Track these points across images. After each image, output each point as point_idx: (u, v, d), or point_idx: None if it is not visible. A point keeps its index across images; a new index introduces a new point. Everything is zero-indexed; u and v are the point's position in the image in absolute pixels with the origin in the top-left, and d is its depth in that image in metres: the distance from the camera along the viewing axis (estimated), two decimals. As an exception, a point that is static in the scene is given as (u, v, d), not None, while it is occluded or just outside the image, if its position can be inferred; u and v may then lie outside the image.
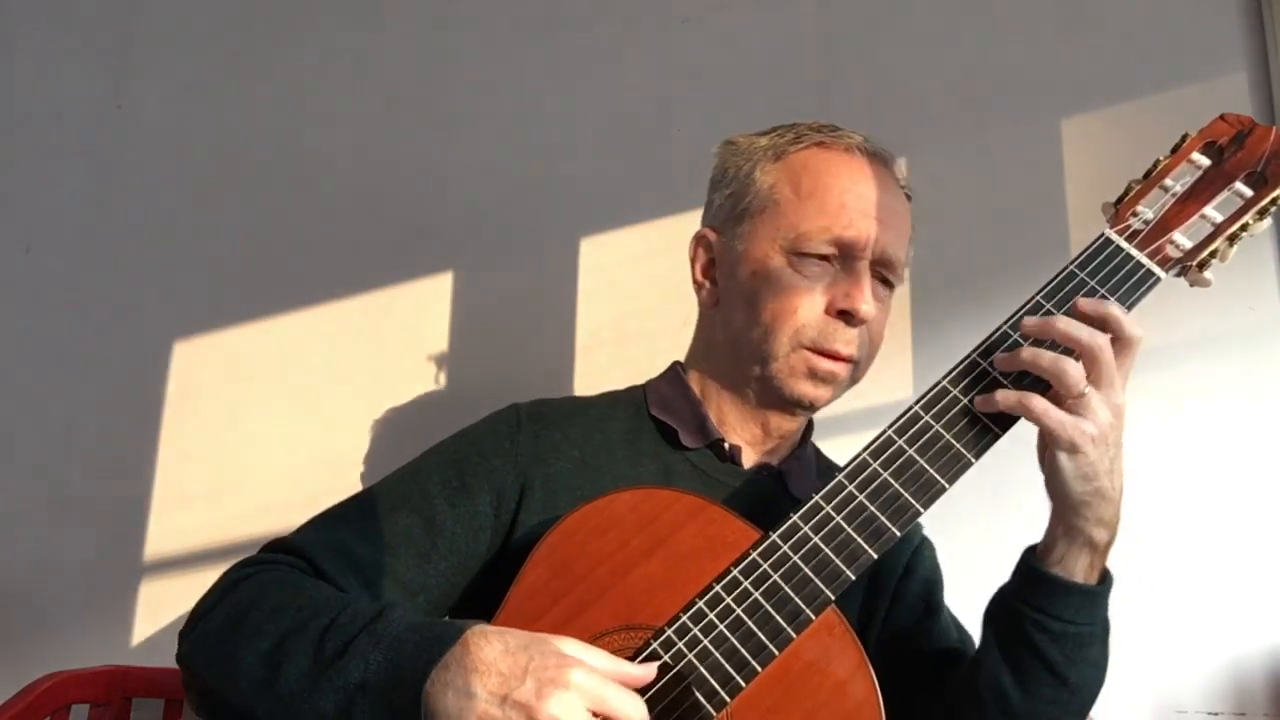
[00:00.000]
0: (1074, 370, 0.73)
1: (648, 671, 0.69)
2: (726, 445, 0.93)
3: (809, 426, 1.02)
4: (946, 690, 0.86)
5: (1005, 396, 0.75)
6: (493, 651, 0.65)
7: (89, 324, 1.58)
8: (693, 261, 1.00)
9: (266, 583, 0.77)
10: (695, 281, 0.99)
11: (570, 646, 0.66)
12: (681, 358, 1.03)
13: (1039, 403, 0.74)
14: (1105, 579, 0.80)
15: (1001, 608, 0.82)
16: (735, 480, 0.93)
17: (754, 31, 1.57)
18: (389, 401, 1.49)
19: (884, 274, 0.93)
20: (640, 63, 1.58)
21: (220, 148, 1.63)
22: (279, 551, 0.82)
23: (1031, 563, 0.80)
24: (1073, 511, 0.77)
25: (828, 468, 1.03)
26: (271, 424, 1.51)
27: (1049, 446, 0.75)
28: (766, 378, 0.91)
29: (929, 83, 1.50)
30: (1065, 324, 0.75)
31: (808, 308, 0.88)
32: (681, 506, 0.78)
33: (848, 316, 0.88)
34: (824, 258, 0.89)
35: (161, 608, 1.42)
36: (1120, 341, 0.75)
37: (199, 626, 0.76)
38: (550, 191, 1.54)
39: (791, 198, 0.90)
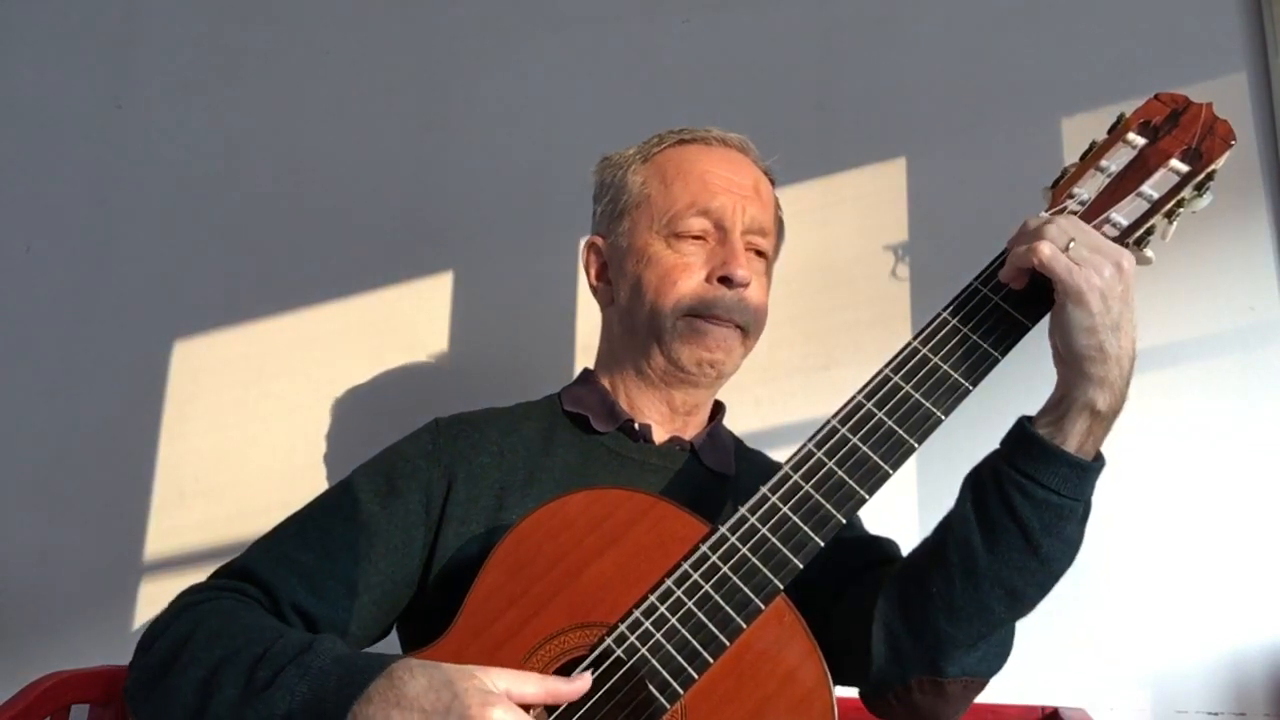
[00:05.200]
0: (1049, 225, 0.75)
1: (582, 684, 0.70)
2: (636, 425, 0.98)
3: (719, 409, 1.06)
4: (899, 566, 0.86)
5: (1016, 252, 0.76)
6: (417, 686, 0.66)
7: (89, 324, 1.58)
8: (587, 269, 1.05)
9: (207, 612, 0.79)
10: (591, 287, 1.05)
11: (499, 680, 0.67)
12: None
13: (1046, 247, 0.74)
14: (1098, 458, 0.77)
15: (985, 468, 0.79)
16: (650, 457, 0.97)
17: (754, 31, 1.57)
18: (389, 401, 1.50)
19: (757, 244, 0.99)
20: (641, 62, 1.58)
21: (220, 148, 1.63)
22: (226, 576, 0.86)
23: (1024, 425, 0.77)
24: (1075, 369, 0.75)
25: (747, 453, 1.06)
26: (271, 424, 1.51)
27: (1057, 299, 0.75)
28: (663, 352, 0.96)
29: (929, 82, 1.50)
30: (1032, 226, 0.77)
31: (687, 280, 0.95)
32: (632, 505, 0.79)
33: (727, 282, 0.94)
34: (699, 237, 0.96)
35: (161, 608, 1.41)
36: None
37: (143, 659, 0.79)
38: (550, 191, 1.54)
39: (661, 188, 0.98)
